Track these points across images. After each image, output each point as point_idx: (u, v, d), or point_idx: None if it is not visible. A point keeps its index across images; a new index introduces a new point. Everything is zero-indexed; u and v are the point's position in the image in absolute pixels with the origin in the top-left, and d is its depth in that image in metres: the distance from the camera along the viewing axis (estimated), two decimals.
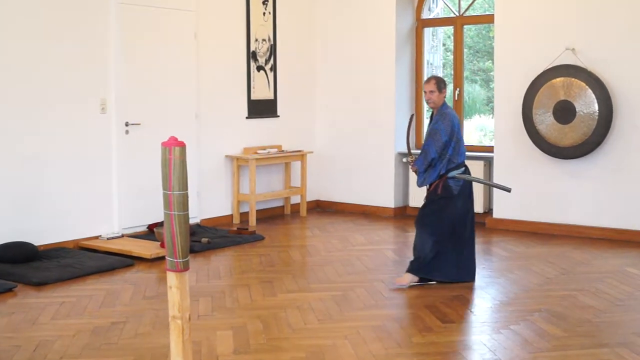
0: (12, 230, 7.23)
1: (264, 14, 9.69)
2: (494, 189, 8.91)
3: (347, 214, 10.05)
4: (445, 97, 6.59)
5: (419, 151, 6.58)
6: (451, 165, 6.43)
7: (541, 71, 8.42)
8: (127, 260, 7.17)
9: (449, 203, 6.42)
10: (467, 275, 6.49)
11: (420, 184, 6.59)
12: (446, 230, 6.41)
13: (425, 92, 6.59)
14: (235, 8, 9.37)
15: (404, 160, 6.64)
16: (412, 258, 6.50)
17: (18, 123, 7.31)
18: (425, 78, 9.95)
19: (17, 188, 7.32)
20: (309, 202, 10.20)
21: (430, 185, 6.53)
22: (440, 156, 6.38)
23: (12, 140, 7.27)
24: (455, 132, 6.42)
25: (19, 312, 5.64)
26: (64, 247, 7.61)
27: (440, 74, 10.39)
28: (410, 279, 6.35)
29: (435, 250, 6.37)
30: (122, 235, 8.07)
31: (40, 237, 7.45)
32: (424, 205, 6.58)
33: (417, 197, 9.60)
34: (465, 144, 9.48)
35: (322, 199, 10.53)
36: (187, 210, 3.62)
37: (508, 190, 6.64)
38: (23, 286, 6.37)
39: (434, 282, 6.40)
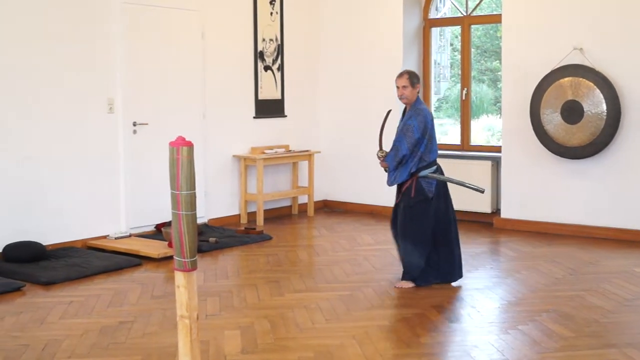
0: (20, 230, 7.25)
1: (271, 13, 9.70)
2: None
3: (355, 213, 10.04)
4: (418, 92, 6.39)
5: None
6: (423, 163, 6.24)
7: (549, 71, 8.40)
8: (135, 260, 7.18)
9: (427, 207, 6.25)
10: (459, 274, 6.43)
11: (390, 183, 6.37)
12: (429, 236, 6.28)
13: (397, 87, 6.35)
14: (242, 8, 9.38)
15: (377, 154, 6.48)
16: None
17: (25, 123, 7.33)
18: (433, 78, 9.96)
19: (25, 188, 7.34)
20: (316, 202, 10.21)
21: (401, 185, 6.33)
22: (411, 153, 6.19)
23: (19, 140, 7.29)
24: (429, 129, 6.23)
25: (27, 311, 5.66)
26: (72, 246, 7.64)
27: (448, 74, 10.38)
28: (411, 284, 6.33)
29: (424, 258, 6.28)
30: (130, 235, 8.08)
31: (48, 236, 7.48)
32: (402, 213, 6.32)
33: None
34: (473, 144, 9.58)
35: (329, 198, 10.53)
36: (195, 209, 3.62)
37: (481, 191, 6.42)
38: (31, 285, 6.39)
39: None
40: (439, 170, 6.36)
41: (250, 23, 9.47)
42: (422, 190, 6.23)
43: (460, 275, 6.44)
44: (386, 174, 6.46)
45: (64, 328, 5.26)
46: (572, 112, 8.24)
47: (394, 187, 6.50)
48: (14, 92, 7.24)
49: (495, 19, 9.48)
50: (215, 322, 5.35)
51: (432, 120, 6.31)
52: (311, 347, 4.83)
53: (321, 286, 6.36)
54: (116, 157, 8.09)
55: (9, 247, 7.06)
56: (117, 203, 8.12)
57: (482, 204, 9.15)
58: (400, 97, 6.37)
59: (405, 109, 6.47)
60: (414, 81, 6.32)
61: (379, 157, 6.44)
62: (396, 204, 6.43)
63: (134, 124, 8.20)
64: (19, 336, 5.09)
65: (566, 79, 8.27)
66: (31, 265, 6.87)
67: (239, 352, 4.76)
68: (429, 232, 6.27)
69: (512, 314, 5.56)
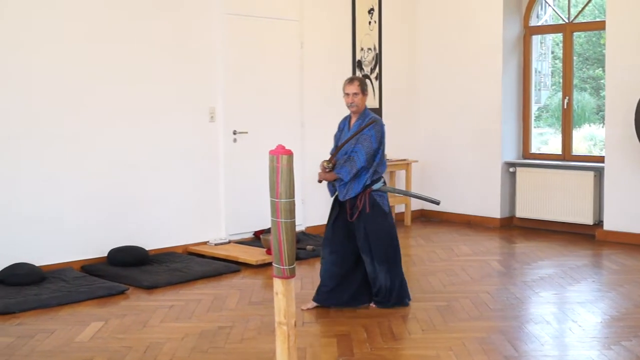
0: (124, 235, 7.47)
1: (370, 23, 9.72)
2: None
3: (452, 223, 9.95)
4: (367, 99, 5.98)
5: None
6: (376, 175, 5.84)
7: None
8: (234, 266, 7.30)
9: (390, 222, 5.93)
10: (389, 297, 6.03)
11: (343, 197, 5.82)
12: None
13: (347, 94, 5.89)
14: (341, 17, 9.44)
15: (324, 164, 5.85)
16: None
17: (130, 132, 7.56)
18: (533, 86, 9.79)
19: (130, 194, 7.56)
20: (413, 212, 10.16)
21: (353, 200, 5.84)
22: (368, 165, 5.77)
23: (126, 148, 7.53)
24: (384, 140, 5.87)
25: (130, 314, 5.83)
26: (173, 252, 7.82)
27: (548, 82, 10.18)
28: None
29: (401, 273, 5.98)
30: (229, 241, 8.22)
31: (151, 241, 7.68)
32: (373, 236, 5.83)
33: (525, 207, 9.46)
34: (575, 154, 9.38)
35: (426, 208, 10.46)
36: (294, 217, 3.66)
37: (437, 202, 5.99)
38: (134, 289, 6.57)
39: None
40: (385, 184, 5.99)
41: (349, 32, 9.52)
42: (377, 204, 5.84)
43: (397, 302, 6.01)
44: (321, 183, 6.03)
45: (165, 331, 5.39)
46: None
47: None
48: (120, 102, 7.48)
49: (599, 25, 9.25)
50: (312, 330, 5.39)
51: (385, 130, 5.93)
52: (407, 357, 4.82)
53: (418, 296, 6.32)
54: (217, 164, 8.25)
55: (113, 252, 7.29)
56: (217, 210, 8.28)
57: (583, 216, 8.94)
58: (350, 105, 5.92)
59: (349, 118, 6.06)
60: (364, 88, 5.93)
61: (324, 168, 5.85)
62: (336, 219, 5.97)
63: (234, 133, 8.35)
64: (123, 338, 5.24)
65: None
66: (134, 269, 7.07)
67: None
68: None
69: (615, 329, 5.40)
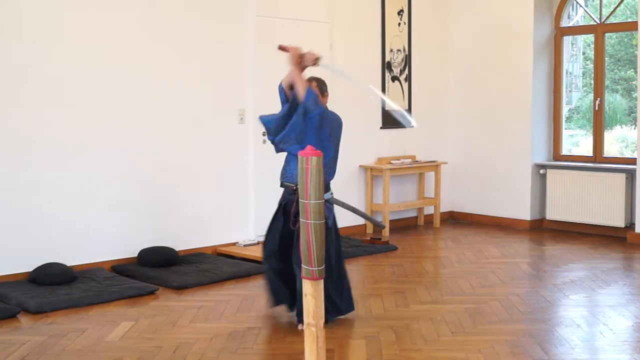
0: (154, 236, 7.52)
1: (399, 24, 9.71)
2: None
3: (481, 225, 9.91)
4: (327, 101, 5.66)
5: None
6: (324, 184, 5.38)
7: None
8: (263, 267, 7.29)
9: (329, 235, 5.42)
10: (348, 307, 5.69)
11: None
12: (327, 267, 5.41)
13: None
14: (370, 19, 9.43)
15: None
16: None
17: (162, 134, 7.61)
18: (564, 88, 9.72)
19: (160, 195, 7.61)
20: (442, 213, 10.12)
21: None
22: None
23: (156, 149, 7.58)
24: (338, 144, 5.45)
25: (160, 314, 5.86)
26: (203, 252, 7.86)
27: (580, 84, 10.10)
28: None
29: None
30: (258, 243, 8.23)
31: (181, 242, 7.72)
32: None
33: (555, 209, 9.39)
34: (606, 156, 9.28)
35: (455, 210, 10.42)
36: (323, 219, 3.66)
37: (382, 227, 5.45)
38: (164, 289, 6.61)
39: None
40: (332, 194, 5.56)
41: (378, 34, 9.51)
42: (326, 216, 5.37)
43: (349, 309, 5.71)
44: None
45: (195, 332, 5.42)
46: None
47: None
48: (150, 104, 7.53)
49: (631, 26, 9.16)
50: (341, 331, 5.39)
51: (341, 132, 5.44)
52: None
53: (447, 298, 6.30)
54: (246, 166, 8.28)
55: (143, 252, 7.34)
56: (246, 211, 8.31)
57: (614, 218, 8.86)
58: None
59: None
60: (323, 89, 5.65)
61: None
62: (285, 228, 5.61)
63: (264, 134, 8.36)
64: (152, 338, 5.28)
65: None
66: (164, 270, 7.11)
67: None
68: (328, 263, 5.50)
69: None
